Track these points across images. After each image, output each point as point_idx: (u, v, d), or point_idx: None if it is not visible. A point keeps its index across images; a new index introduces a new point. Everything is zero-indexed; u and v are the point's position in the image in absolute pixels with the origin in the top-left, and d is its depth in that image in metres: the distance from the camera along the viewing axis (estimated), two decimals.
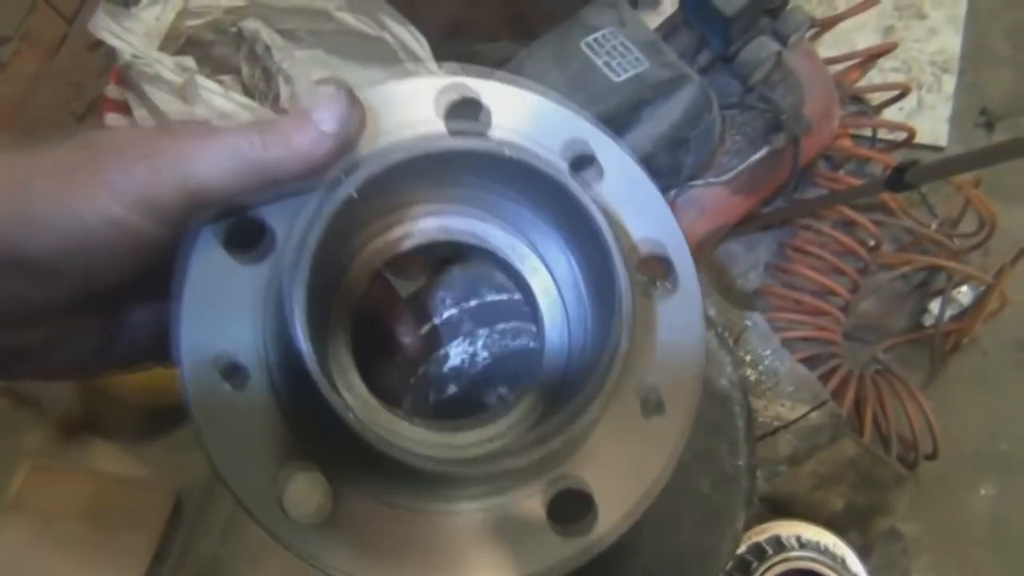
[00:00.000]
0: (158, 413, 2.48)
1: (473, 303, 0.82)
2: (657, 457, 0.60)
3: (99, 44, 2.51)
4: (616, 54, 1.85)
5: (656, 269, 0.66)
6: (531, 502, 0.57)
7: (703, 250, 2.51)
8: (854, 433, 1.17)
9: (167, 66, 2.29)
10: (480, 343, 0.81)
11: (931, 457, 2.42)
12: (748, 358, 1.22)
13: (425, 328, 0.81)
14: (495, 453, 0.57)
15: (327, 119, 0.55)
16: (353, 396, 0.66)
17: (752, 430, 0.76)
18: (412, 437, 0.63)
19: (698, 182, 2.31)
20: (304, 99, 0.56)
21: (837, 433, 1.18)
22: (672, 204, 2.31)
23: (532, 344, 0.77)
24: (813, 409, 1.20)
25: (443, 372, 0.80)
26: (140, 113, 2.39)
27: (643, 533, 0.76)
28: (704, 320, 0.62)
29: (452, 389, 0.78)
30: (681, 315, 0.63)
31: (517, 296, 0.81)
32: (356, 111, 0.57)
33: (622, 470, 0.59)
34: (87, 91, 2.79)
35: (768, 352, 1.22)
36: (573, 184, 0.59)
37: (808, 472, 1.15)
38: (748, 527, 1.10)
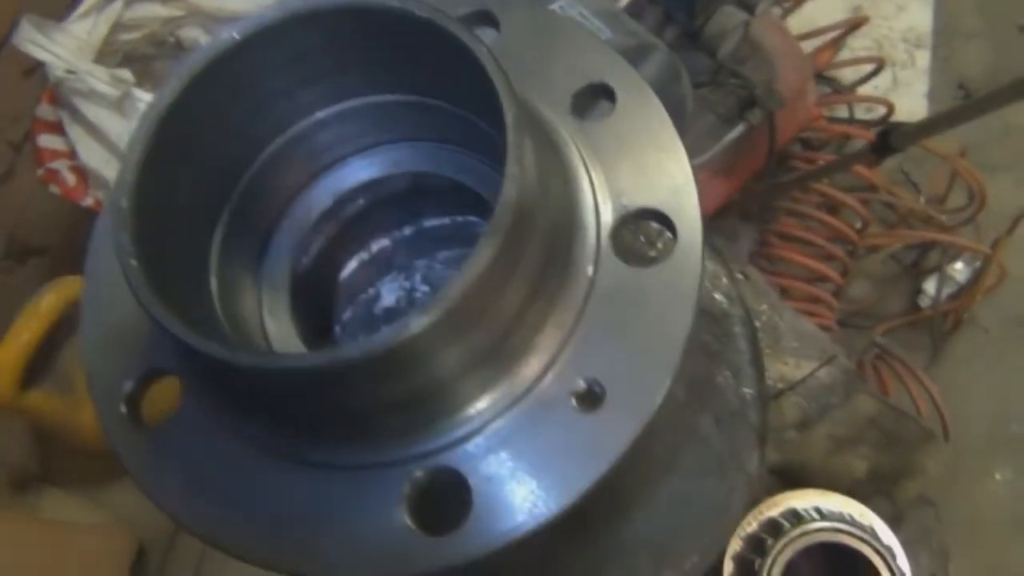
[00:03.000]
0: (113, 456, 2.32)
1: (408, 231, 0.68)
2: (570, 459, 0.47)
3: (34, 69, 2.38)
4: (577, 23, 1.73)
5: (641, 234, 0.57)
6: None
7: None
8: (870, 388, 1.02)
9: (102, 79, 2.15)
10: (418, 277, 0.66)
11: None
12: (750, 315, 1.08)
13: (350, 265, 0.66)
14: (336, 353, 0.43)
15: None
16: (276, 322, 0.60)
17: (759, 351, 0.62)
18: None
19: None
20: None
21: (851, 389, 1.03)
22: None
23: None
24: (822, 365, 1.06)
25: (374, 313, 0.65)
26: (74, 131, 2.25)
27: (633, 490, 0.61)
28: (697, 308, 0.49)
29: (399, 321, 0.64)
30: (667, 289, 0.50)
31: (460, 218, 0.67)
32: None
33: (510, 465, 0.48)
34: (24, 120, 2.64)
35: (765, 307, 1.08)
36: (453, 23, 0.46)
37: (822, 436, 1.00)
38: (758, 499, 0.95)
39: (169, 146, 0.48)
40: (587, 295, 0.50)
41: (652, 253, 0.55)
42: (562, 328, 0.50)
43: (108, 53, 2.35)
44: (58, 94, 2.24)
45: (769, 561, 0.91)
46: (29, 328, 2.03)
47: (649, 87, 0.56)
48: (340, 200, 0.63)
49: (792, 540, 0.92)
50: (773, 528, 0.94)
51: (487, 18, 0.58)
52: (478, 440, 0.49)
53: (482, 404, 0.49)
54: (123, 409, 0.53)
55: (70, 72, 2.17)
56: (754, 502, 0.95)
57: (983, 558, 2.35)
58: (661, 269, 0.51)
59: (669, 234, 0.52)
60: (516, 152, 0.44)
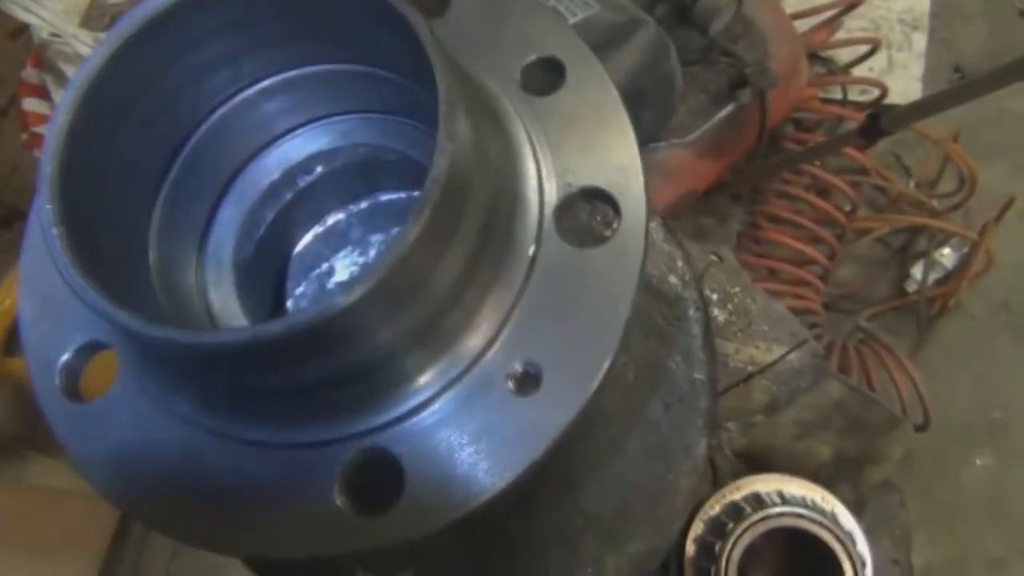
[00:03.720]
0: None
1: (365, 204, 0.67)
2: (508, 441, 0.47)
3: (20, 31, 2.35)
4: None
5: (597, 213, 0.57)
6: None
7: (670, 219, 2.37)
8: (840, 374, 1.01)
9: (86, 43, 2.13)
10: (373, 252, 0.65)
11: (922, 428, 2.29)
12: (715, 297, 1.07)
13: (304, 240, 0.65)
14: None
15: None
16: (221, 297, 0.60)
17: (711, 336, 0.62)
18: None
19: (660, 143, 2.18)
20: None
21: (820, 374, 1.03)
22: None
23: None
24: (792, 350, 1.05)
25: (328, 288, 0.64)
26: (60, 96, 2.23)
27: (579, 472, 0.60)
28: (639, 291, 0.48)
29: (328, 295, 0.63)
30: (609, 270, 0.49)
31: (417, 192, 0.65)
32: None
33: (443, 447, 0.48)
34: (9, 83, 2.62)
35: (737, 289, 1.07)
36: None
37: (789, 420, 1.00)
38: (721, 484, 0.95)
39: (101, 110, 0.47)
40: (528, 274, 0.49)
41: (607, 233, 0.54)
42: (501, 308, 0.49)
43: (95, 17, 2.32)
44: (43, 57, 2.22)
45: (729, 544, 0.91)
46: (12, 294, 2.02)
47: (600, 63, 0.55)
48: (289, 172, 0.61)
49: (753, 524, 0.91)
50: (735, 512, 0.94)
51: None
52: (413, 421, 0.48)
53: (418, 385, 0.48)
54: (57, 382, 0.52)
55: (55, 35, 2.14)
56: (713, 481, 0.95)
57: (962, 542, 2.37)
58: (604, 250, 0.50)
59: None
60: (448, 125, 0.43)
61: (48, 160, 0.44)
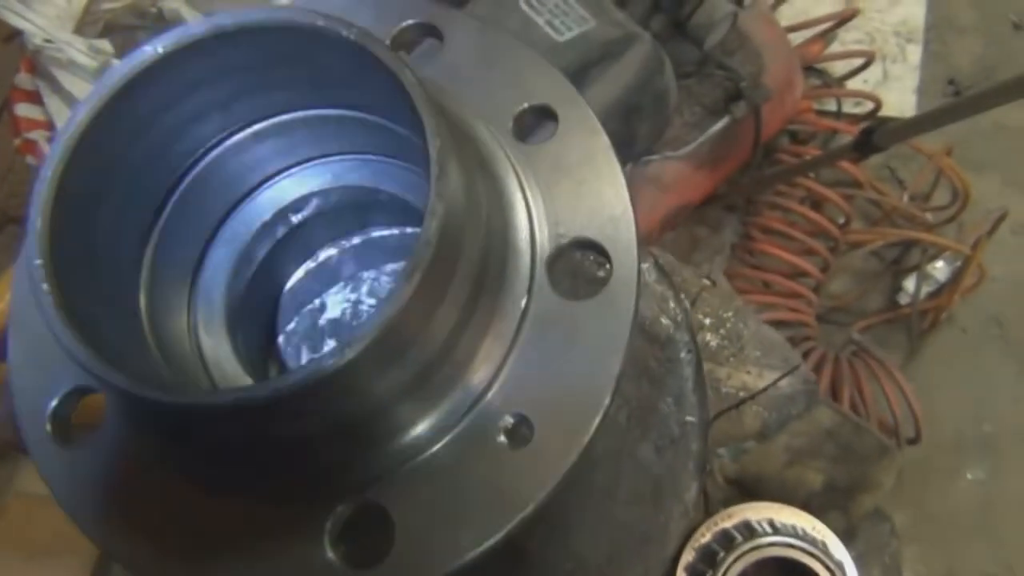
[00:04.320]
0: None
1: (357, 240, 0.67)
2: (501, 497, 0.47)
3: (13, 36, 2.34)
4: (559, 12, 1.70)
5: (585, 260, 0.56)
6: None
7: (665, 231, 2.37)
8: (831, 400, 1.01)
9: (80, 49, 2.12)
10: (364, 289, 0.65)
11: (913, 442, 2.29)
12: (708, 321, 1.07)
13: (296, 275, 0.65)
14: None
15: None
16: (211, 338, 0.60)
17: (702, 378, 0.62)
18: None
19: (656, 156, 2.18)
20: None
21: (812, 401, 1.03)
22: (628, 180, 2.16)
23: None
24: (784, 376, 1.05)
25: (319, 325, 0.64)
26: (52, 102, 2.22)
27: (569, 515, 0.60)
28: (630, 344, 0.47)
29: (330, 346, 0.63)
30: (601, 322, 0.48)
31: (409, 230, 0.65)
32: None
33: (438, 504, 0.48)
34: (1, 88, 2.60)
35: (730, 314, 1.07)
36: (379, 47, 0.45)
37: (780, 447, 1.00)
38: (713, 510, 0.95)
39: (89, 163, 0.46)
40: (519, 326, 0.49)
41: (601, 273, 0.54)
42: (493, 361, 0.49)
43: (89, 23, 2.31)
44: (36, 63, 2.21)
45: (720, 574, 0.91)
46: (4, 298, 2.01)
47: (592, 111, 0.55)
48: (282, 211, 0.61)
49: (744, 554, 0.91)
50: (726, 540, 0.94)
51: (431, 31, 0.57)
52: (404, 474, 0.48)
53: (408, 437, 0.48)
54: (48, 428, 0.52)
55: (48, 41, 2.13)
56: (704, 508, 0.95)
57: (952, 556, 2.37)
58: (596, 303, 0.50)
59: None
60: (439, 187, 0.42)
61: (37, 214, 0.43)
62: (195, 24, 0.46)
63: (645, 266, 0.67)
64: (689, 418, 0.61)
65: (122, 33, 2.34)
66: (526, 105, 0.54)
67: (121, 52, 2.16)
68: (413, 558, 0.46)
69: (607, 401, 0.48)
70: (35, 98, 2.24)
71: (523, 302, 0.50)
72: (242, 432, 0.45)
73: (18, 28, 2.09)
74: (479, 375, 0.48)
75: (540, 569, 0.61)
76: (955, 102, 1.73)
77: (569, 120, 0.54)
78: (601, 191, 0.52)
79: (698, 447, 0.60)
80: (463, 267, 0.45)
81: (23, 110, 2.27)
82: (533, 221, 0.51)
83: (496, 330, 0.49)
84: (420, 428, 0.48)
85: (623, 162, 1.80)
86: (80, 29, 2.28)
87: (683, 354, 0.64)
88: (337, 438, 0.46)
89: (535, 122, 0.54)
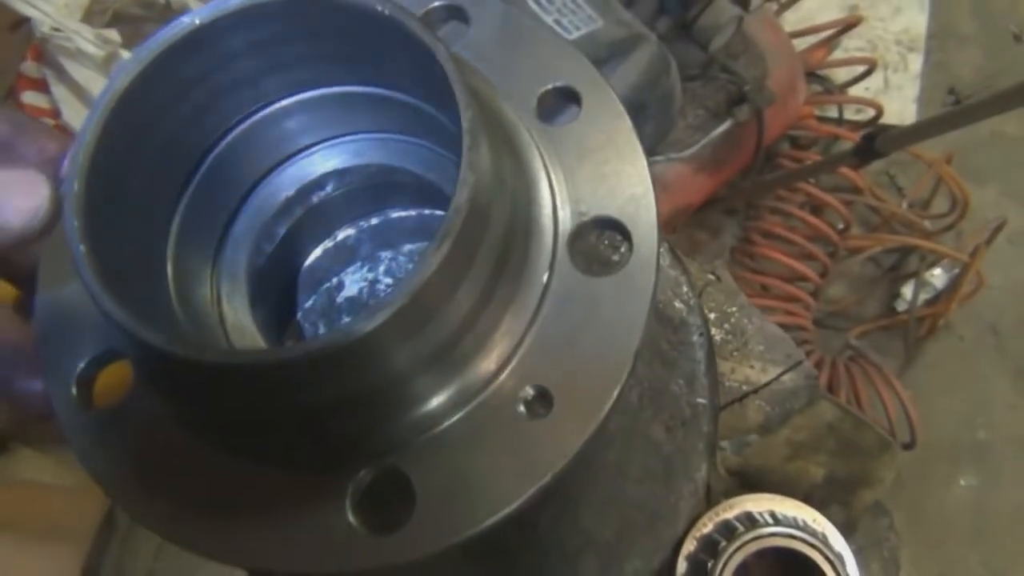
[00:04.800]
0: None
1: (375, 221, 0.68)
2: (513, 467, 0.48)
3: (20, 23, 2.35)
4: (567, 11, 1.72)
5: (605, 238, 0.57)
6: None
7: (666, 232, 2.39)
8: (833, 396, 1.03)
9: (87, 38, 2.13)
10: (382, 268, 0.66)
11: (909, 447, 2.31)
12: (712, 316, 1.08)
13: (315, 254, 0.66)
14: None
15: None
16: (233, 310, 0.60)
17: (714, 362, 0.63)
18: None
19: (659, 158, 2.19)
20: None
21: (814, 396, 1.04)
22: None
23: None
24: (787, 371, 1.06)
25: (336, 303, 0.65)
26: (59, 90, 2.23)
27: (581, 492, 0.61)
28: (649, 321, 0.49)
29: (346, 322, 0.63)
30: (620, 299, 0.50)
31: (427, 211, 0.66)
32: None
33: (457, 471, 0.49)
34: (8, 75, 2.61)
35: (734, 309, 1.08)
36: (414, 22, 0.46)
37: (782, 440, 1.01)
38: (715, 502, 0.96)
39: (125, 130, 0.47)
40: (540, 301, 0.50)
41: (615, 257, 0.55)
42: (514, 334, 0.50)
43: (97, 12, 2.32)
44: (44, 51, 2.22)
45: (721, 563, 0.92)
46: (6, 287, 2.01)
47: (615, 95, 0.56)
48: (304, 189, 0.62)
49: (745, 544, 0.92)
50: (727, 530, 0.95)
51: (458, 12, 0.58)
52: (425, 442, 0.49)
53: (430, 407, 0.49)
54: (73, 391, 0.52)
55: (56, 30, 2.14)
56: (702, 510, 0.96)
57: (945, 562, 2.39)
58: (616, 279, 0.51)
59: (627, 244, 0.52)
60: (471, 157, 0.44)
61: (74, 177, 0.45)
62: None
63: (661, 249, 0.68)
64: (700, 400, 0.62)
65: (129, 23, 2.35)
66: (550, 87, 0.55)
67: (128, 42, 2.17)
68: (432, 524, 0.47)
69: (625, 375, 0.49)
70: (41, 86, 2.25)
71: (544, 277, 0.51)
72: (268, 397, 0.46)
73: (26, 16, 2.10)
74: (500, 347, 0.49)
75: (550, 544, 0.62)
76: (955, 110, 1.75)
77: (592, 102, 0.55)
78: (623, 172, 0.53)
79: (709, 428, 0.61)
80: (489, 239, 0.46)
81: (29, 97, 2.28)
82: (556, 199, 0.52)
83: (517, 304, 0.50)
84: (442, 398, 0.49)
85: None
86: (88, 18, 2.29)
87: (695, 337, 0.65)
88: (361, 406, 0.47)
89: (559, 104, 0.55)
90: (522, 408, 0.49)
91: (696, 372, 0.63)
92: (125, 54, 2.14)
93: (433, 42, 0.46)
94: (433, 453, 0.49)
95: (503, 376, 0.49)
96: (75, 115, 2.20)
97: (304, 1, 0.48)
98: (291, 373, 0.43)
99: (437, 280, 0.43)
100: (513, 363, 0.50)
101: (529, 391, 0.49)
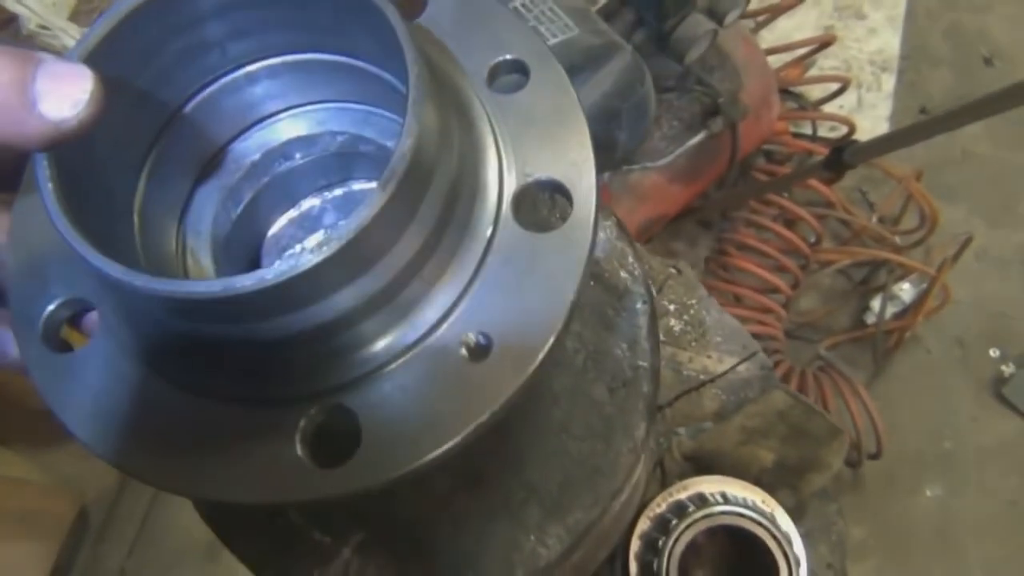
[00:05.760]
0: None
1: (339, 191, 0.71)
2: (456, 405, 0.51)
3: (8, 22, 2.37)
4: (544, 19, 1.76)
5: (548, 203, 0.62)
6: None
7: (642, 240, 2.43)
8: (786, 385, 1.06)
9: (74, 36, 2.16)
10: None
11: (875, 456, 2.35)
12: (672, 307, 1.12)
13: (279, 222, 0.69)
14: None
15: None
16: (197, 266, 0.64)
17: (655, 328, 0.66)
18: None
19: (635, 167, 2.24)
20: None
21: (767, 385, 1.07)
22: (607, 189, 2.22)
23: None
24: (742, 361, 1.10)
25: None
26: None
27: (526, 448, 0.64)
28: (585, 275, 0.52)
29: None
30: (559, 254, 0.53)
31: None
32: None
33: (404, 407, 0.52)
34: None
35: (694, 301, 1.12)
36: None
37: (736, 427, 1.04)
38: (670, 483, 1.00)
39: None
40: (484, 254, 0.54)
41: (555, 220, 0.58)
42: (458, 283, 0.53)
43: (84, 12, 2.35)
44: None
45: (672, 539, 0.95)
46: None
47: (562, 67, 0.59)
48: (269, 154, 0.65)
49: (695, 521, 0.96)
50: (679, 509, 0.98)
51: None
52: (371, 381, 0.52)
53: (377, 348, 0.52)
54: (40, 330, 0.55)
55: (43, 27, 2.17)
56: (661, 482, 0.99)
57: (910, 571, 2.42)
58: (555, 236, 0.54)
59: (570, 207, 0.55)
60: (416, 108, 0.47)
61: None
62: None
63: (608, 223, 0.72)
64: (641, 363, 0.65)
65: None
66: (500, 59, 0.59)
67: None
68: (377, 458, 0.50)
69: (562, 324, 0.52)
70: None
71: (488, 231, 0.54)
72: (220, 330, 0.49)
73: (14, 13, 2.13)
74: (445, 295, 0.52)
75: (495, 496, 0.65)
76: (923, 121, 1.80)
77: (540, 75, 0.58)
78: (566, 139, 0.57)
79: (648, 389, 0.64)
80: (433, 189, 0.50)
81: None
82: (502, 160, 0.56)
83: (462, 255, 0.53)
84: (389, 339, 0.52)
85: (602, 169, 1.88)
86: (75, 17, 2.32)
87: (639, 305, 0.68)
88: (311, 344, 0.50)
89: (508, 75, 0.59)
90: (464, 352, 0.52)
91: (638, 336, 0.66)
92: None
93: (385, 5, 0.50)
94: (380, 393, 0.52)
95: (448, 322, 0.53)
96: None
97: None
98: (241, 305, 0.46)
99: (379, 223, 0.46)
100: (457, 311, 0.53)
101: (471, 337, 0.52)
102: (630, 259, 0.68)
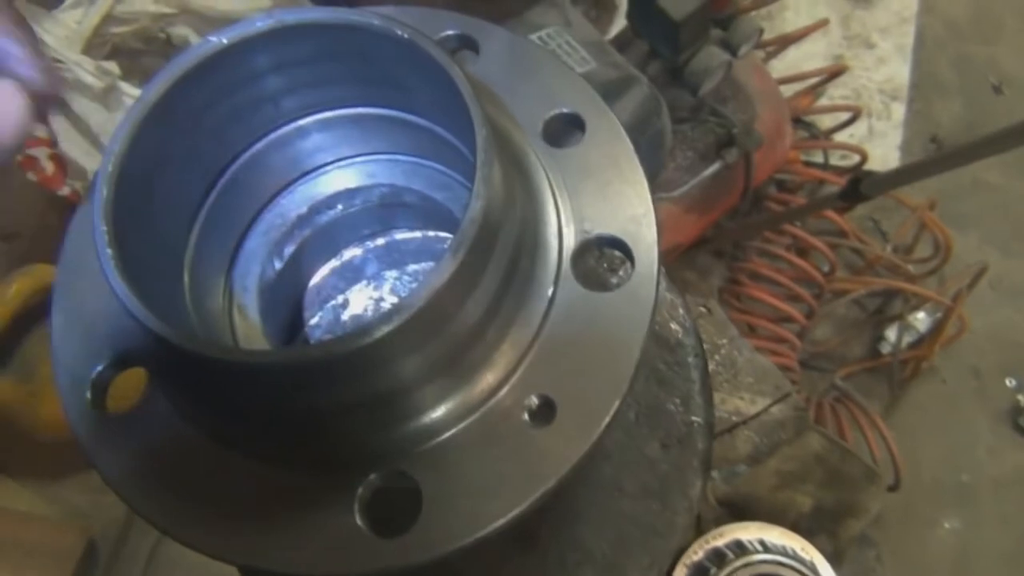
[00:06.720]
0: (70, 449, 2.29)
1: (381, 241, 0.70)
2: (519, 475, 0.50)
3: None
4: (562, 52, 1.76)
5: (605, 260, 0.61)
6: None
7: None
8: (820, 427, 1.05)
9: (87, 70, 2.15)
10: (387, 288, 0.68)
11: (893, 488, 2.32)
12: (704, 347, 1.10)
13: (321, 272, 0.68)
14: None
15: None
16: (245, 321, 0.63)
17: (708, 382, 0.65)
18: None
19: None
20: None
21: (801, 427, 1.06)
22: None
23: None
24: (775, 402, 1.08)
25: (341, 320, 0.67)
26: (57, 120, 2.25)
27: (579, 507, 0.63)
28: (649, 335, 0.51)
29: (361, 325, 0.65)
30: (622, 314, 0.53)
31: (432, 233, 0.69)
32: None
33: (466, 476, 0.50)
34: None
35: (725, 341, 1.10)
36: (431, 45, 0.48)
37: (771, 471, 1.03)
38: (704, 530, 0.98)
39: (153, 141, 0.49)
40: (545, 314, 0.52)
41: (614, 280, 0.57)
42: (519, 345, 0.52)
43: (97, 45, 2.34)
44: None
45: None
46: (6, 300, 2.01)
47: (617, 120, 0.58)
48: (315, 207, 0.64)
49: (735, 570, 0.94)
50: (718, 557, 0.96)
51: (468, 41, 0.60)
52: (432, 447, 0.51)
53: (438, 414, 0.50)
54: (88, 394, 0.54)
55: (57, 61, 2.17)
56: (696, 527, 0.98)
57: None
58: (618, 295, 0.53)
59: (629, 263, 0.54)
60: (484, 171, 0.46)
61: (103, 184, 0.46)
62: (260, 18, 0.50)
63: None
64: (695, 418, 0.64)
65: (129, 56, 2.39)
66: (556, 112, 0.58)
67: (128, 74, 2.20)
68: (438, 528, 0.49)
69: (626, 387, 0.51)
70: (41, 118, 2.27)
71: (550, 291, 0.53)
72: (279, 398, 0.48)
73: None
74: (507, 358, 0.51)
75: (549, 557, 0.63)
76: (940, 155, 1.80)
77: (596, 127, 0.58)
78: (625, 193, 0.56)
79: (703, 446, 0.63)
80: (499, 253, 0.49)
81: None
82: (561, 217, 0.55)
83: (523, 316, 0.52)
84: (450, 405, 0.50)
85: None
86: (88, 50, 2.31)
87: (691, 358, 0.67)
88: (372, 411, 0.49)
89: (564, 128, 0.58)
90: (526, 416, 0.50)
91: (691, 391, 0.65)
92: (124, 86, 2.17)
93: (450, 64, 0.49)
94: (441, 458, 0.50)
95: (509, 386, 0.51)
96: (72, 145, 2.22)
97: (326, 24, 0.51)
98: (304, 374, 0.44)
99: (449, 289, 0.45)
100: (518, 373, 0.52)
101: (534, 400, 0.51)
102: (680, 311, 0.67)
